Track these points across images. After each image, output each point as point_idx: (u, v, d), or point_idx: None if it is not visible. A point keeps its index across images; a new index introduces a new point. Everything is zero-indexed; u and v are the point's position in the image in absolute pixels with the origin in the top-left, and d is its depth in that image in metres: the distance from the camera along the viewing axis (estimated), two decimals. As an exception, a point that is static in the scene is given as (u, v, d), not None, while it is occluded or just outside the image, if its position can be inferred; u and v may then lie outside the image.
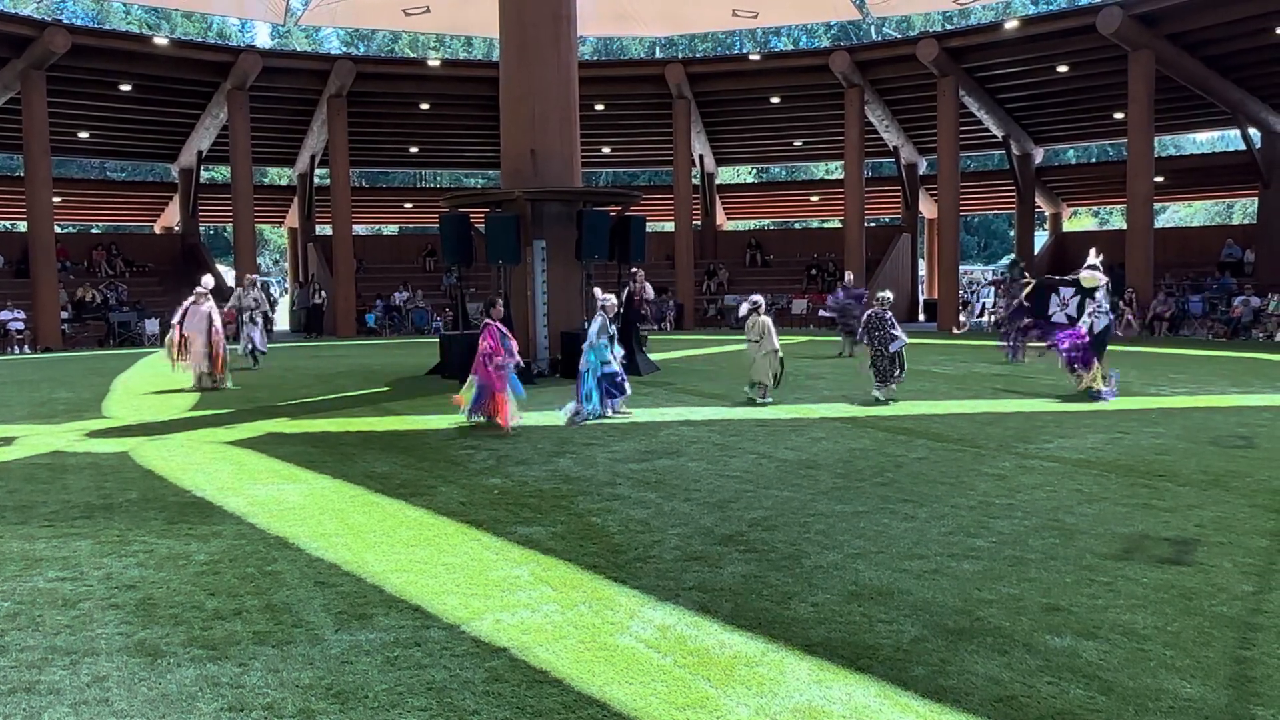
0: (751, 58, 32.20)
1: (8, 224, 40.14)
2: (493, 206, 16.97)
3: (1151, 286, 25.39)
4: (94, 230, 41.63)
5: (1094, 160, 50.09)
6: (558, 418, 10.97)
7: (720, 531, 6.14)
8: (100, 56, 26.37)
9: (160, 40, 28.57)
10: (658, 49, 36.99)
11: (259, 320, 18.43)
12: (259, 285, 19.12)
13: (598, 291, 11.83)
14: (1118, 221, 49.56)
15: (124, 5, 47.62)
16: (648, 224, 17.95)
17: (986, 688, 3.84)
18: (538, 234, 15.94)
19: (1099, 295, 12.62)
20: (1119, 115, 27.90)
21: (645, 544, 5.89)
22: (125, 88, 28.08)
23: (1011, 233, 42.04)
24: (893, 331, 12.10)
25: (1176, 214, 56.69)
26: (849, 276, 22.62)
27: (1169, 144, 43.30)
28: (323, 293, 31.17)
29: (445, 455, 8.99)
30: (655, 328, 26.18)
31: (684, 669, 4.05)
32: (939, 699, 3.75)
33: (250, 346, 18.18)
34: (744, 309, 12.55)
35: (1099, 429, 9.84)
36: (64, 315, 26.50)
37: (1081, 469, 7.89)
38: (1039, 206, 34.94)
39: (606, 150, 36.45)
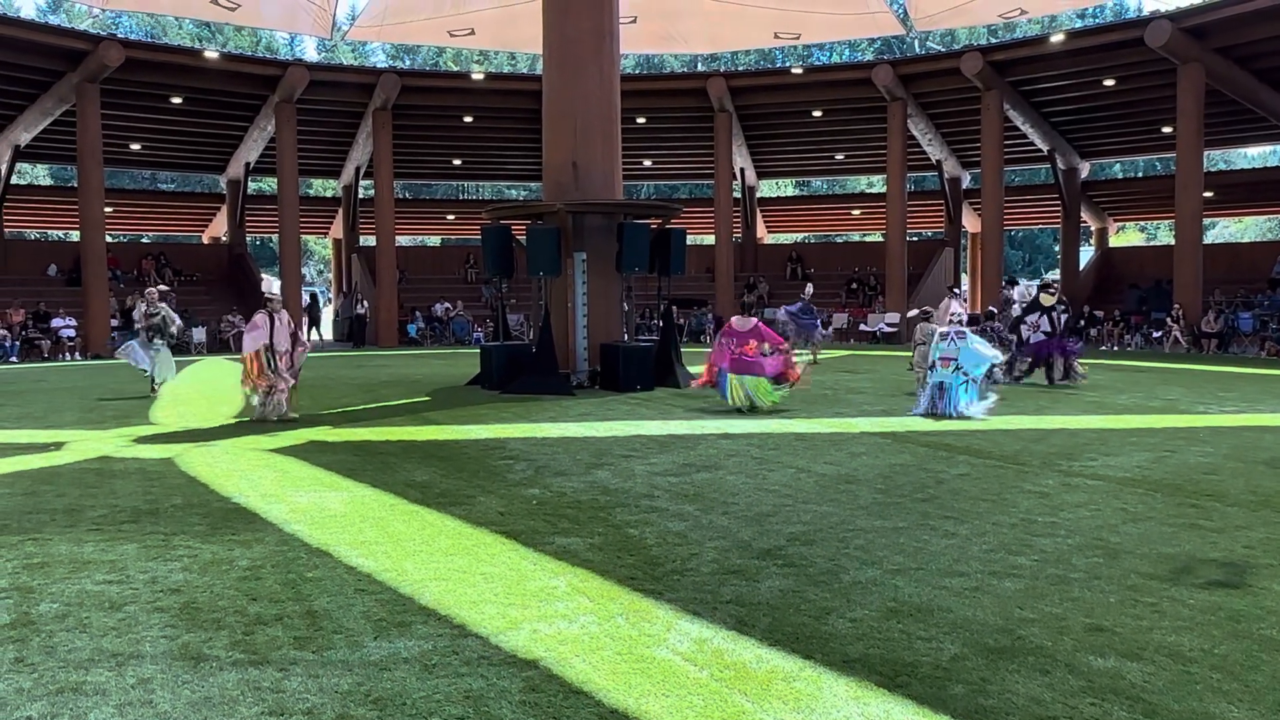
0: (794, 71, 32.20)
1: (61, 233, 41.11)
2: (534, 218, 17.09)
3: (1200, 303, 24.96)
4: (144, 240, 42.51)
5: (1141, 175, 49.42)
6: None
7: (758, 545, 6.11)
8: (153, 70, 26.99)
9: (211, 54, 29.18)
10: (700, 64, 37.09)
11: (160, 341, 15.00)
12: (155, 299, 15.32)
13: (956, 303, 14.39)
14: (1165, 237, 48.82)
15: (178, 20, 48.66)
16: (688, 237, 17.99)
17: (1027, 708, 3.79)
18: (578, 246, 16.02)
19: (1060, 308, 16.01)
20: (1167, 129, 27.55)
21: (683, 557, 5.88)
22: (176, 100, 28.70)
23: (1057, 248, 41.58)
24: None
25: (1227, 229, 55.78)
26: (809, 289, 22.25)
27: (1218, 158, 42.65)
28: (365, 303, 31.52)
29: (484, 465, 9.04)
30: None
31: (721, 683, 4.03)
32: (978, 718, 3.71)
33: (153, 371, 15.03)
34: (913, 312, 14.32)
35: (1145, 447, 9.69)
36: (114, 323, 27.02)
37: (1126, 487, 7.77)
38: (1085, 221, 34.54)
39: (648, 163, 36.59)
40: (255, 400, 12.24)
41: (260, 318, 12.42)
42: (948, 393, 11.96)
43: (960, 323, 12.46)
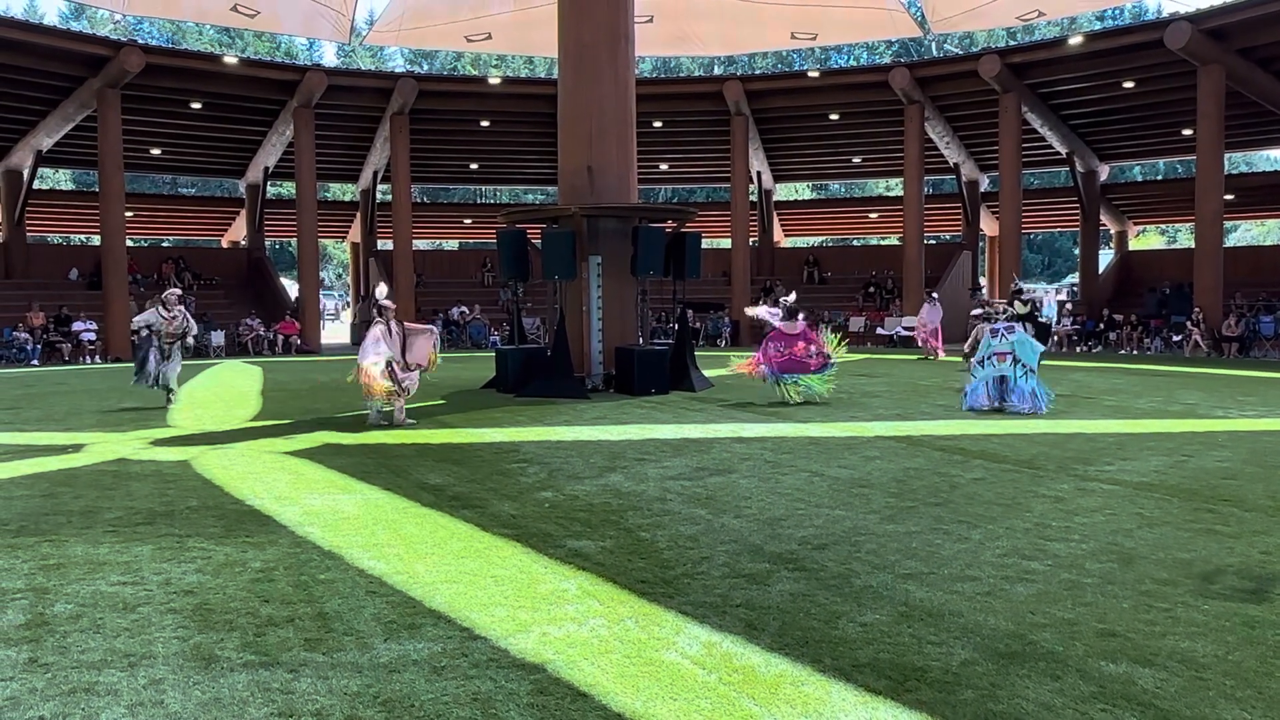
0: (810, 74, 32.13)
1: (83, 238, 41.47)
2: (549, 222, 17.12)
3: (1221, 307, 24.75)
4: (164, 244, 42.85)
5: (1161, 177, 49.10)
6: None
7: (770, 549, 6.10)
8: (173, 75, 27.19)
9: (230, 59, 29.38)
10: (716, 66, 37.07)
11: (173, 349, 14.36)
12: (174, 302, 14.65)
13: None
14: (1186, 240, 48.47)
15: (197, 25, 49.05)
16: (705, 240, 17.98)
17: (1037, 713, 3.76)
18: (594, 250, 16.04)
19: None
20: (1187, 131, 27.36)
21: (694, 560, 5.87)
22: (196, 105, 28.92)
23: (1076, 251, 41.34)
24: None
25: (1249, 232, 55.35)
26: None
27: (1239, 161, 42.30)
28: (381, 306, 31.65)
29: (498, 469, 9.06)
30: None
31: (729, 686, 4.03)
32: (988, 724, 3.69)
33: (164, 380, 14.29)
34: (976, 311, 15.23)
35: (1162, 452, 9.61)
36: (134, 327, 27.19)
37: (1143, 492, 7.71)
38: (1104, 224, 34.32)
39: (664, 167, 36.61)
40: (377, 406, 12.11)
41: (380, 330, 12.09)
42: (1013, 386, 12.57)
43: (1015, 318, 13.23)
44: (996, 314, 13.65)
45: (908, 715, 3.77)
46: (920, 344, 24.08)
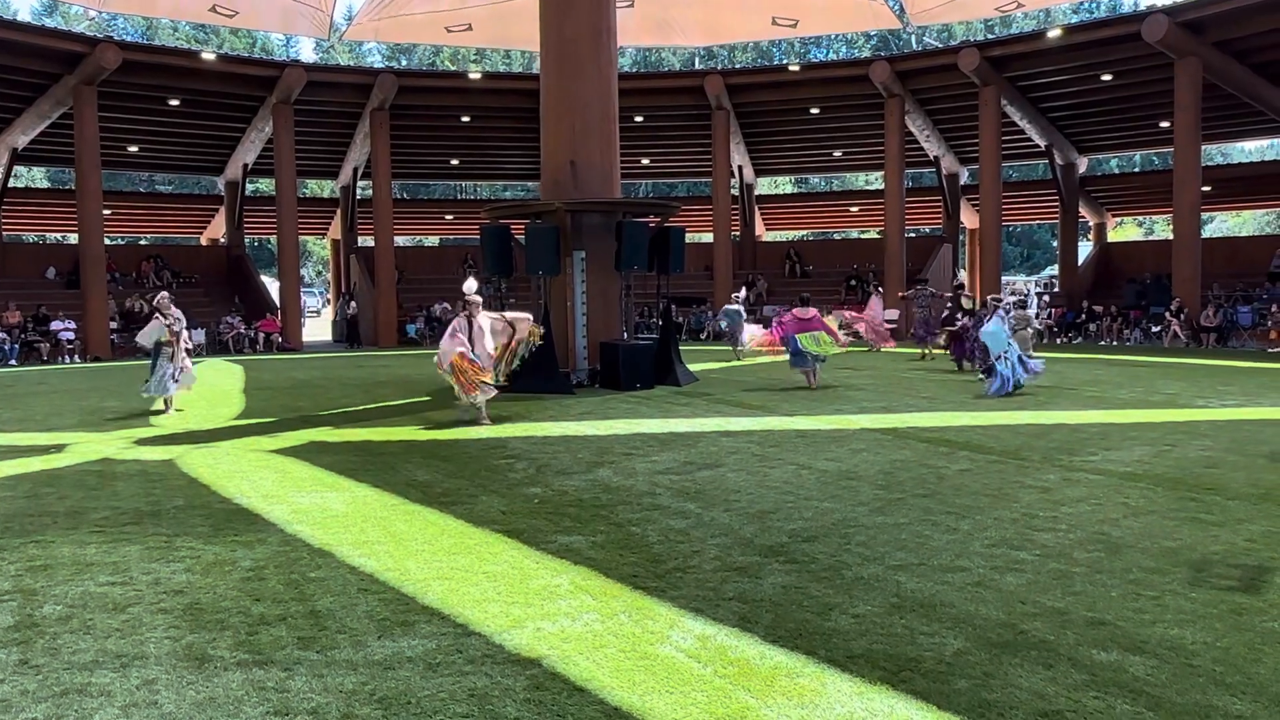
0: (791, 69, 32.12)
1: (60, 236, 41.08)
2: (533, 218, 17.07)
3: (1199, 297, 24.95)
4: (142, 242, 42.49)
5: (1139, 169, 49.43)
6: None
7: (760, 542, 6.12)
8: (150, 72, 26.92)
9: (208, 56, 29.11)
10: (697, 60, 37.01)
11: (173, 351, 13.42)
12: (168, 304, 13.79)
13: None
14: (1164, 231, 48.86)
15: (172, 22, 48.63)
16: (687, 235, 17.97)
17: (1030, 702, 3.80)
18: (577, 245, 16.01)
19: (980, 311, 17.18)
20: (1165, 124, 27.54)
21: (685, 554, 5.89)
22: (174, 102, 28.64)
23: (1055, 243, 41.58)
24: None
25: (1225, 223, 55.82)
26: (742, 293, 22.45)
27: (1216, 153, 42.63)
28: (353, 304, 31.65)
29: (486, 465, 9.05)
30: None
31: (724, 679, 4.04)
32: (982, 713, 3.71)
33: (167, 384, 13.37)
34: (1008, 299, 16.44)
35: (1145, 441, 9.70)
36: (113, 325, 27.00)
37: (1128, 482, 7.78)
38: (1083, 216, 34.52)
39: (646, 161, 36.54)
40: (477, 399, 11.79)
41: (458, 322, 12.05)
42: (1024, 360, 13.95)
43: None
44: (999, 302, 14.62)
45: (904, 705, 3.79)
46: (866, 336, 23.95)
